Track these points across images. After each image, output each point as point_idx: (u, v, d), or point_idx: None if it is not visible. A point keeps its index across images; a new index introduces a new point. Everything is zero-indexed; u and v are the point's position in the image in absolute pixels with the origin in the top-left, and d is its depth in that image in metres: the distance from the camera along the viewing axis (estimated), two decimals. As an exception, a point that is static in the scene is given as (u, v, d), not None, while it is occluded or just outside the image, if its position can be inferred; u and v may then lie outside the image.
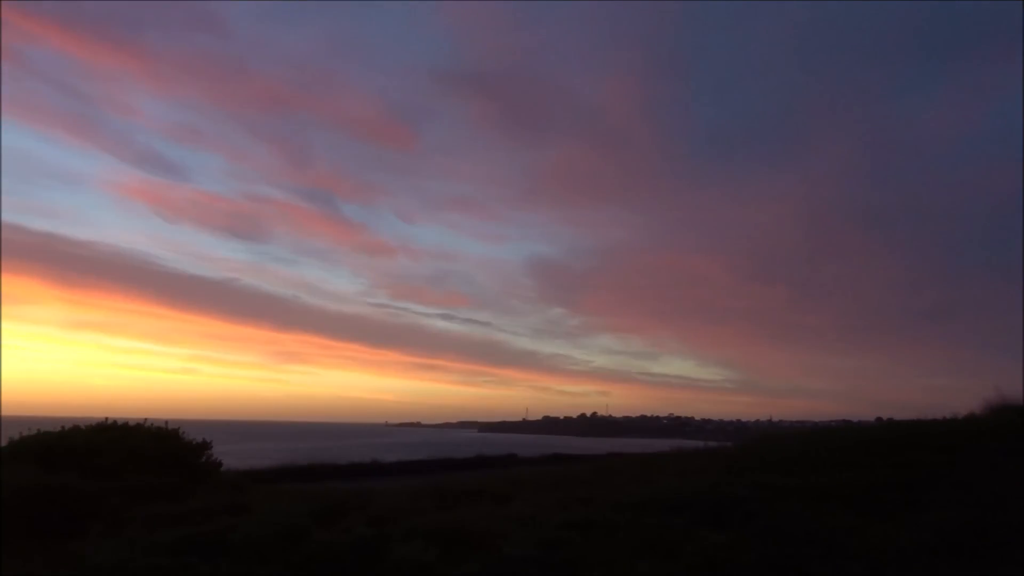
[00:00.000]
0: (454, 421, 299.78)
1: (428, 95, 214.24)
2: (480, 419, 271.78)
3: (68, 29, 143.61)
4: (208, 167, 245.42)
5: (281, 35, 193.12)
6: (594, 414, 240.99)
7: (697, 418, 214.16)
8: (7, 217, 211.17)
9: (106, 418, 14.23)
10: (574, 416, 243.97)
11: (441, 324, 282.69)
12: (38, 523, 9.91)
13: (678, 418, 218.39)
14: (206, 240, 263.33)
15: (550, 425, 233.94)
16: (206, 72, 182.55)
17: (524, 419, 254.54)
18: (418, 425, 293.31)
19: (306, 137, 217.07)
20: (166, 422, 14.56)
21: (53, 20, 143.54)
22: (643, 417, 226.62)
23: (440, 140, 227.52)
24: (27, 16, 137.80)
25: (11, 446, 13.06)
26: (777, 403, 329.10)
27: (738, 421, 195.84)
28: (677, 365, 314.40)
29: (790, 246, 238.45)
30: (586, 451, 50.16)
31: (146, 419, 14.47)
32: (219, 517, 9.94)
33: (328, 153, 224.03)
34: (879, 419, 44.58)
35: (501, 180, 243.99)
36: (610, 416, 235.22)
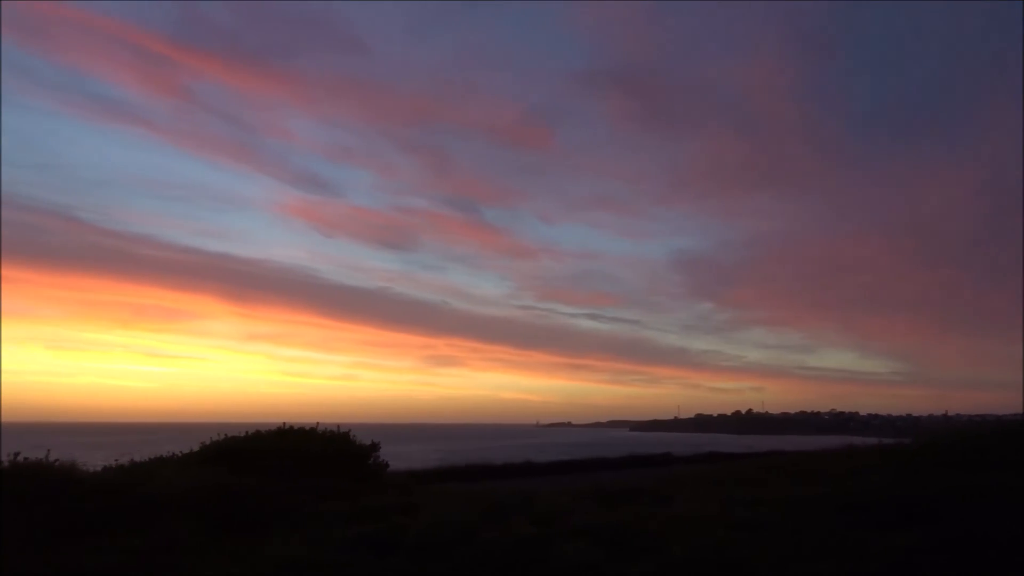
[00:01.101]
0: (604, 421, 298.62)
1: (565, 96, 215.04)
2: (631, 418, 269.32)
3: (229, 63, 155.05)
4: (359, 183, 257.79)
5: (420, 51, 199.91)
6: (749, 411, 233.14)
7: (862, 413, 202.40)
8: (186, 240, 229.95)
9: (283, 423, 15.18)
10: (728, 413, 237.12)
11: (587, 324, 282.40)
12: (226, 521, 10.67)
13: (841, 413, 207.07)
14: (360, 252, 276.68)
15: (703, 423, 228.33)
16: (353, 92, 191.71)
17: (676, 417, 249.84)
18: (568, 425, 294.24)
19: (448, 146, 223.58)
20: (338, 426, 15.33)
21: (216, 56, 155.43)
22: (802, 413, 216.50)
23: (579, 140, 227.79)
24: (194, 55, 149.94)
25: (201, 450, 14.18)
26: (951, 396, 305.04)
27: (909, 416, 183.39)
28: (837, 357, 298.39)
29: (959, 227, 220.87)
30: (744, 449, 48.52)
31: (318, 423, 15.28)
32: (390, 516, 10.35)
33: (469, 160, 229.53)
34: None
35: (642, 176, 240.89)
36: (766, 412, 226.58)
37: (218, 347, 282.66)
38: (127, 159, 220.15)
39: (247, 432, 14.66)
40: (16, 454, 10.66)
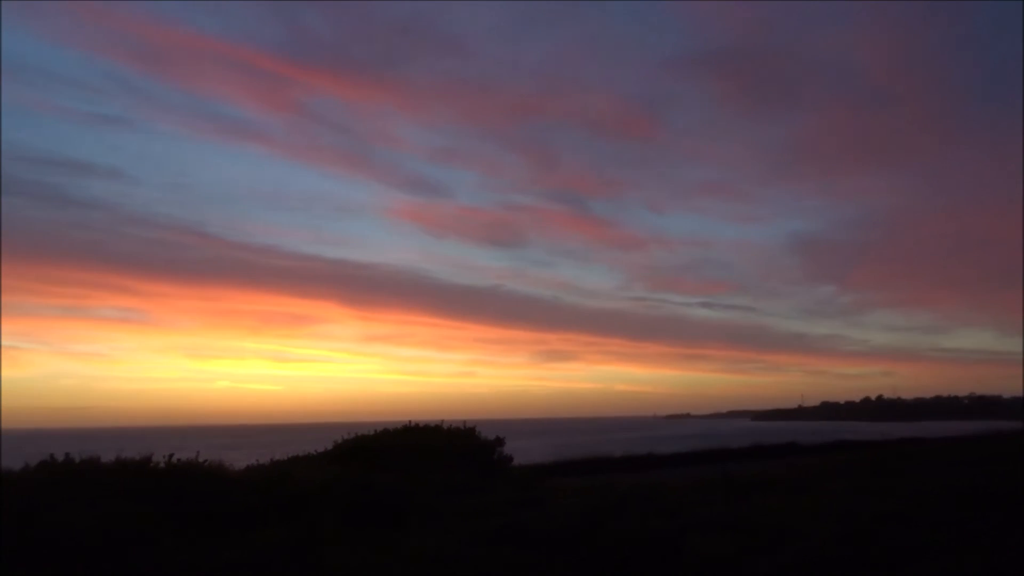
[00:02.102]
0: (724, 411, 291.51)
1: (666, 82, 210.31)
2: (752, 407, 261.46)
3: (337, 76, 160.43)
4: (466, 183, 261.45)
5: (519, 49, 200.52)
6: (879, 397, 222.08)
7: (1006, 396, 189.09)
8: (306, 249, 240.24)
9: (409, 421, 15.71)
10: (856, 400, 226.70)
11: (702, 312, 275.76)
12: (362, 516, 11.13)
13: (981, 397, 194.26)
14: (470, 251, 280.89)
15: (829, 411, 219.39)
16: (456, 95, 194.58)
17: (800, 405, 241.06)
18: (687, 416, 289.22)
19: (552, 142, 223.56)
20: (463, 422, 15.71)
21: (324, 70, 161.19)
22: (938, 398, 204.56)
23: (683, 126, 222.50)
24: (304, 70, 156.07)
25: (334, 448, 14.84)
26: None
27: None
28: (974, 338, 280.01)
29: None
30: (875, 437, 46.33)
31: (443, 421, 15.71)
32: (518, 509, 10.52)
33: (574, 154, 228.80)
34: None
35: (751, 158, 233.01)
36: (898, 398, 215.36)
37: (339, 349, 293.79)
38: (248, 174, 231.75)
39: (374, 430, 15.23)
40: (170, 455, 11.48)
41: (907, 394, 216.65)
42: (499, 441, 15.47)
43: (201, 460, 11.72)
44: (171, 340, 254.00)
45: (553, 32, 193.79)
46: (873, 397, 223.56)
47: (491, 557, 7.83)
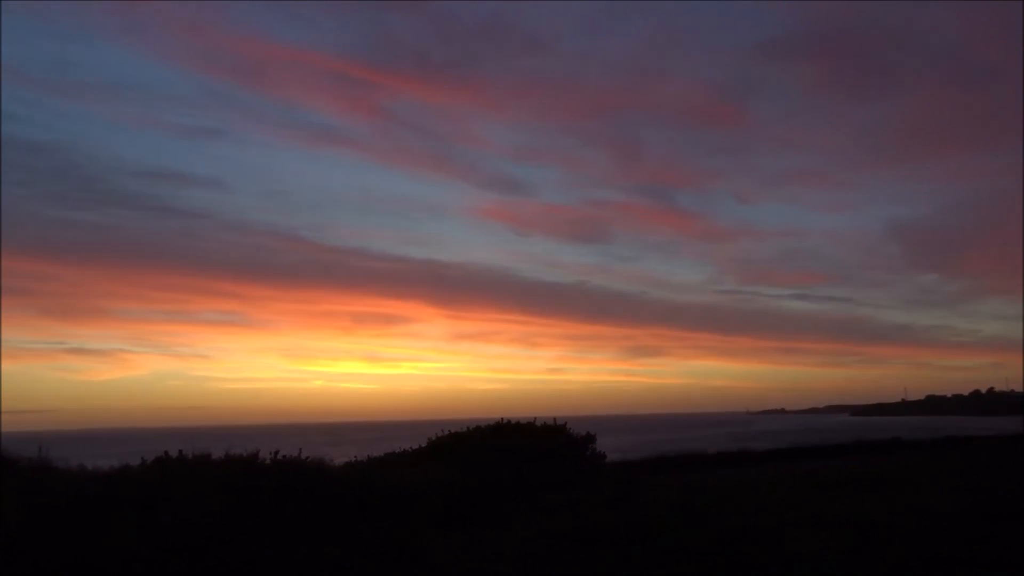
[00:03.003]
0: (821, 406, 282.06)
1: (752, 68, 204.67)
2: (851, 402, 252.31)
3: (419, 79, 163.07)
4: (550, 180, 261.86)
5: (599, 42, 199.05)
6: (990, 390, 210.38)
7: None
8: (395, 250, 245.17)
9: (501, 418, 15.88)
10: (965, 393, 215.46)
11: (796, 305, 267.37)
12: (456, 512, 11.35)
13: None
14: (555, 248, 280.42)
15: (935, 405, 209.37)
16: (538, 92, 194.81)
17: (903, 400, 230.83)
18: (782, 412, 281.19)
19: (636, 135, 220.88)
20: (555, 419, 15.81)
21: (407, 74, 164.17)
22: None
23: (771, 112, 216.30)
24: (388, 75, 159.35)
25: (429, 446, 15.18)
26: None
27: None
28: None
29: None
30: (987, 432, 44.02)
31: (534, 418, 15.84)
32: (614, 505, 10.54)
33: (658, 147, 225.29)
34: None
35: (844, 143, 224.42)
36: (1011, 391, 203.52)
37: (429, 348, 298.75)
38: (338, 179, 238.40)
39: (467, 427, 15.49)
40: (275, 452, 11.99)
41: (1021, 386, 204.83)
42: (590, 438, 15.49)
43: (304, 457, 12.19)
44: (269, 341, 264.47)
45: (632, 24, 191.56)
46: (983, 390, 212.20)
47: (588, 553, 7.88)
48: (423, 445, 15.42)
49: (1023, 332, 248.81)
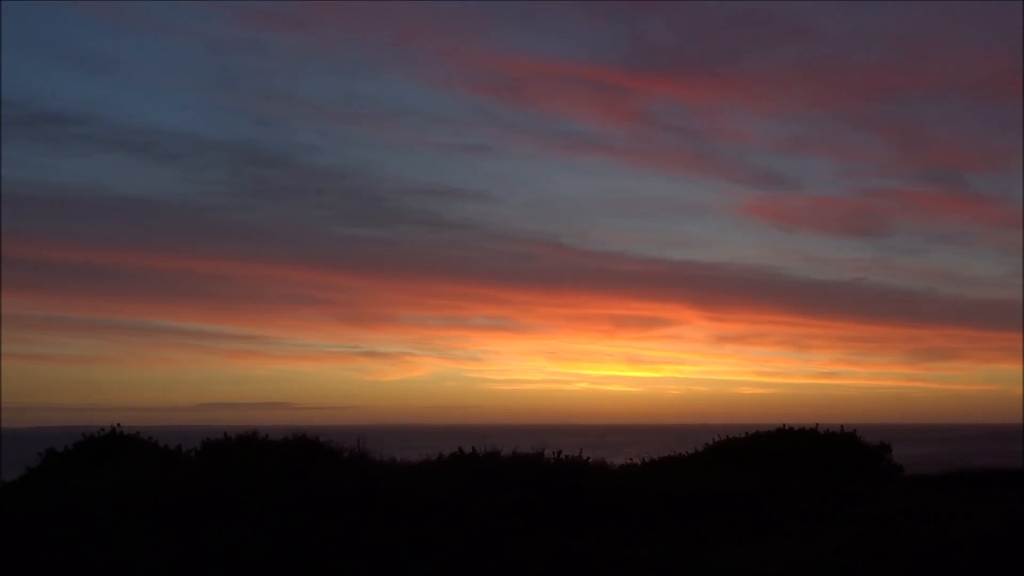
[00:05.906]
0: None
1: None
2: None
3: (676, 79, 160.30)
4: (817, 172, 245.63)
5: (867, 19, 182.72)
6: None
7: None
8: (654, 252, 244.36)
9: (783, 424, 15.36)
10: None
11: None
12: (735, 519, 11.15)
13: None
14: (826, 244, 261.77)
15: None
16: (801, 80, 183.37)
17: None
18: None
19: (916, 116, 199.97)
20: (841, 427, 14.99)
21: (664, 75, 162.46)
22: None
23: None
24: (644, 78, 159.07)
25: (705, 450, 15.09)
26: None
27: None
28: None
29: None
30: None
31: (816, 424, 15.13)
32: (913, 521, 9.79)
33: (942, 126, 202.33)
34: None
35: None
36: None
37: (691, 351, 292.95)
38: (596, 185, 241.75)
39: (745, 433, 15.17)
40: (558, 451, 12.64)
41: None
42: (885, 447, 14.42)
43: (585, 457, 12.70)
44: (535, 344, 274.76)
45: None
46: None
47: (879, 570, 7.44)
48: (698, 450, 15.35)
49: None
